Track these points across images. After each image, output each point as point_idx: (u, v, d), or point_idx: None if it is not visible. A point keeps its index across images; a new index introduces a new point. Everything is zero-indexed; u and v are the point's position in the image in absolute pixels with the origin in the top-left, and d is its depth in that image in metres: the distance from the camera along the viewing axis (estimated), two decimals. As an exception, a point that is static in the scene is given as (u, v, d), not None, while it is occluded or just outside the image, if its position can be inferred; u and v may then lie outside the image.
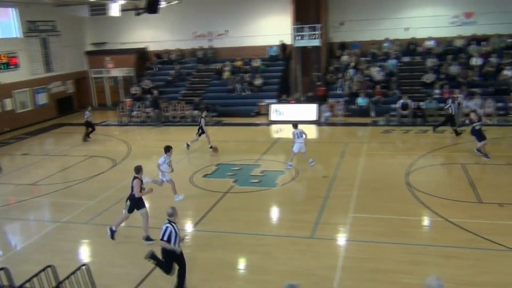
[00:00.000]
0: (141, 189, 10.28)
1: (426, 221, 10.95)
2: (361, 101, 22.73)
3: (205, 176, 15.17)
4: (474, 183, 12.94)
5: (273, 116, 23.36)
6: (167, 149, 12.62)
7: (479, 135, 15.12)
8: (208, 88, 26.79)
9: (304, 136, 15.15)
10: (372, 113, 22.37)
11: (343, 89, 24.03)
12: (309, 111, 22.96)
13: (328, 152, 17.50)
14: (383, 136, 19.39)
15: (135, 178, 10.25)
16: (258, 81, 25.70)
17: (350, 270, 8.80)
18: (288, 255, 9.54)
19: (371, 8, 25.78)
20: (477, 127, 15.13)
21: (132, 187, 10.24)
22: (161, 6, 22.15)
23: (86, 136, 20.93)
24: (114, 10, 23.71)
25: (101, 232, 10.83)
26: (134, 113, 24.97)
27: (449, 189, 12.79)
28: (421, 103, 21.16)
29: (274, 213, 12.39)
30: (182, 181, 14.59)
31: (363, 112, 22.55)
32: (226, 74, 26.88)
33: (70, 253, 10.28)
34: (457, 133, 18.03)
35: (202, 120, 18.10)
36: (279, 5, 26.75)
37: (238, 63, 27.33)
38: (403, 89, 23.13)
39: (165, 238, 7.97)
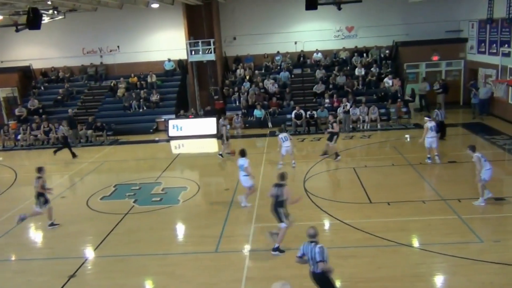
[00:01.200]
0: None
1: (324, 225, 11.48)
2: (257, 113, 23.35)
3: (102, 198, 14.47)
4: (364, 185, 13.87)
5: (172, 132, 23.06)
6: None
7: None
8: (102, 106, 25.71)
9: (290, 139, 15.95)
10: (269, 124, 23.09)
11: (240, 102, 24.51)
12: (208, 125, 23.03)
13: (229, 164, 17.66)
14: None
15: (39, 178, 11.88)
16: (154, 97, 25.25)
17: (255, 281, 8.94)
18: (193, 272, 9.44)
19: (261, 23, 26.70)
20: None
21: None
22: (43, 21, 20.84)
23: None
24: (-10, 26, 21.86)
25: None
26: (20, 136, 23.08)
27: (343, 192, 13.62)
28: (313, 112, 22.26)
29: (178, 230, 12.19)
30: (78, 205, 13.83)
31: (260, 123, 23.17)
32: (120, 91, 26.04)
33: None
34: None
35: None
36: (172, 21, 26.64)
37: (133, 79, 26.64)
38: (296, 99, 24.24)
39: (326, 259, 7.14)
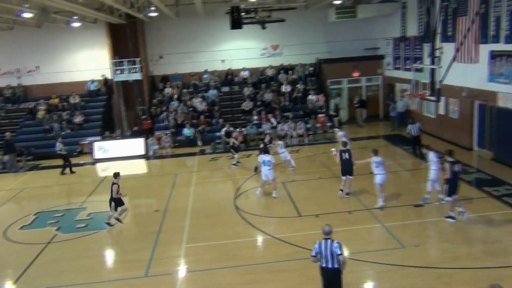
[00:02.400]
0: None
1: (255, 241, 11.54)
2: (187, 131, 23.17)
3: (22, 228, 13.59)
4: (293, 199, 14.16)
5: (97, 154, 22.22)
6: None
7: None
8: (21, 130, 24.28)
9: (273, 162, 14.37)
10: (199, 143, 22.99)
11: (169, 121, 24.21)
12: (136, 146, 22.48)
13: (159, 185, 17.33)
14: (211, 164, 20.02)
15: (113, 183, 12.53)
16: (78, 119, 24.27)
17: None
18: (123, 300, 9.09)
19: (188, 41, 26.69)
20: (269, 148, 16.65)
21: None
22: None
23: None
24: None
25: None
26: None
27: (273, 207, 13.78)
28: (243, 129, 22.47)
29: (105, 257, 11.71)
30: (-6, 237, 12.89)
31: (190, 142, 23.00)
32: (41, 113, 24.76)
33: None
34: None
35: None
36: (95, 40, 25.90)
37: (54, 101, 25.47)
38: (225, 117, 24.37)
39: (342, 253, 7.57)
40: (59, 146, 19.60)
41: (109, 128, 24.65)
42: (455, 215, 11.63)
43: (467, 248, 10.26)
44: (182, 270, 10.18)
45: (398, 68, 24.74)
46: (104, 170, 20.64)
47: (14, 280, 10.25)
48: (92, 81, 26.26)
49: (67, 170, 19.73)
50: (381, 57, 26.66)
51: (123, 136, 23.80)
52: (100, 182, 18.36)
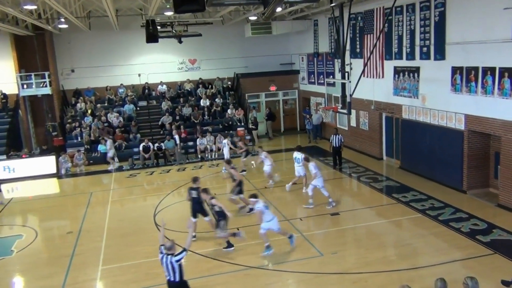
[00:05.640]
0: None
1: (176, 258, 11.28)
2: (102, 148, 22.26)
3: None
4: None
5: (2, 175, 20.58)
6: None
7: None
8: None
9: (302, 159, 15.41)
10: (115, 159, 22.15)
11: (83, 137, 23.11)
12: (46, 164, 21.15)
13: (72, 205, 16.44)
14: (129, 181, 19.38)
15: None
16: (-21, 137, 22.40)
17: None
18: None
19: (102, 55, 25.81)
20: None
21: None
22: None
23: None
24: None
25: None
26: None
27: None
28: (161, 144, 22.02)
29: (14, 285, 10.80)
30: None
31: (105, 159, 22.08)
32: None
33: None
34: None
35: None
36: (-1, 52, 24.17)
37: (-49, 118, 23.32)
38: (143, 132, 23.78)
39: None
40: None
41: (15, 146, 22.93)
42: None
43: (381, 253, 10.83)
44: (98, 294, 9.70)
45: (312, 83, 25.78)
46: (10, 191, 19.16)
47: None
48: None
49: None
50: (296, 71, 27.62)
51: (31, 155, 22.27)
52: (6, 204, 16.97)
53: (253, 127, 25.03)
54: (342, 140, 18.69)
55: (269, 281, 9.77)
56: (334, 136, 18.59)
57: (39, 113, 24.78)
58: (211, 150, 22.44)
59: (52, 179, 20.51)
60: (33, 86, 23.67)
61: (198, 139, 22.41)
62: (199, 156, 22.23)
